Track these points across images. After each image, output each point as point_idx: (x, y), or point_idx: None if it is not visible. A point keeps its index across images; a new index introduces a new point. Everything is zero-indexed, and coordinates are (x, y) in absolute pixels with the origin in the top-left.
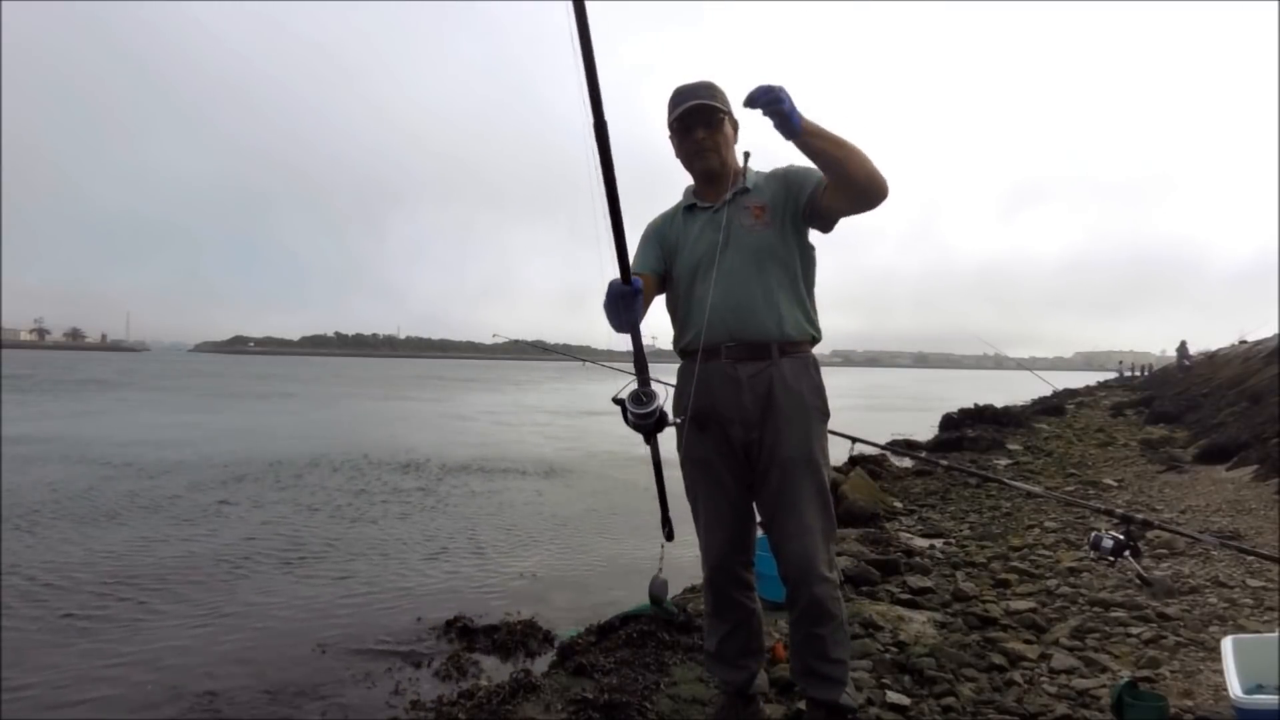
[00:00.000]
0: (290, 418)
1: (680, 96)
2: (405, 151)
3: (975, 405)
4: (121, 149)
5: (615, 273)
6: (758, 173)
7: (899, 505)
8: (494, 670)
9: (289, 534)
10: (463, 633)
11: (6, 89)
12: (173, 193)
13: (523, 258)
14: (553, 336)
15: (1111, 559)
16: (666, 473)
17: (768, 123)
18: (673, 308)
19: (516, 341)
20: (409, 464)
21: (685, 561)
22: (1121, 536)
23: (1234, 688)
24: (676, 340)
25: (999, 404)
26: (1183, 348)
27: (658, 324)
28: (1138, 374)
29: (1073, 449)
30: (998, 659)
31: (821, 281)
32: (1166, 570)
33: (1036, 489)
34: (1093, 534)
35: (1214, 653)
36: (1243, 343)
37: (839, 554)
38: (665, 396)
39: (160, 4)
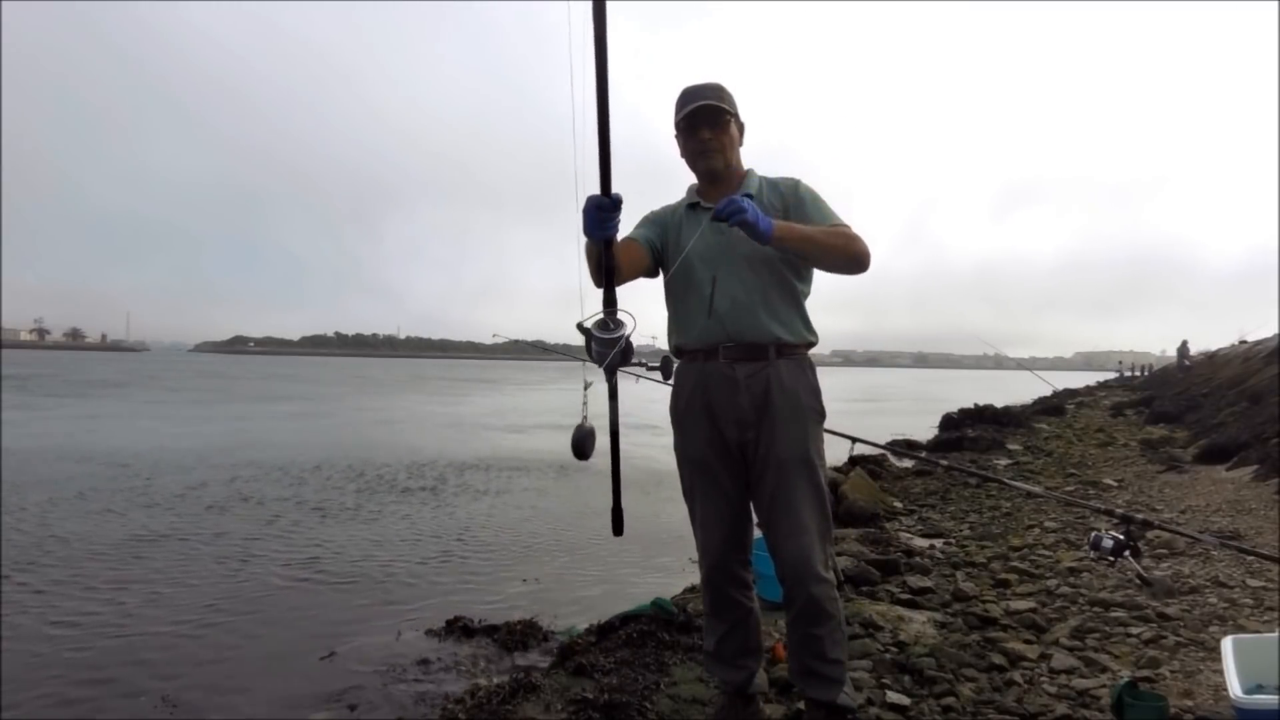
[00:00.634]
0: (301, 420)
1: (688, 96)
2: (402, 151)
3: (975, 405)
4: (120, 149)
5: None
6: (761, 178)
7: (899, 505)
8: (494, 670)
9: (290, 534)
10: (463, 633)
11: (5, 89)
12: (171, 193)
13: (521, 258)
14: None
15: (1111, 559)
16: (662, 454)
17: (774, 125)
18: (671, 307)
19: (516, 341)
20: (412, 464)
21: (686, 560)
22: (1121, 536)
23: (1234, 688)
24: (673, 339)
25: (999, 404)
26: (1183, 348)
27: (659, 325)
28: (1138, 374)
29: (1073, 449)
30: (998, 659)
31: (819, 282)
32: (1166, 570)
33: (1036, 489)
34: (1093, 534)
35: (1214, 653)
36: (1243, 343)
37: (839, 554)
38: (633, 327)
39: (155, 4)
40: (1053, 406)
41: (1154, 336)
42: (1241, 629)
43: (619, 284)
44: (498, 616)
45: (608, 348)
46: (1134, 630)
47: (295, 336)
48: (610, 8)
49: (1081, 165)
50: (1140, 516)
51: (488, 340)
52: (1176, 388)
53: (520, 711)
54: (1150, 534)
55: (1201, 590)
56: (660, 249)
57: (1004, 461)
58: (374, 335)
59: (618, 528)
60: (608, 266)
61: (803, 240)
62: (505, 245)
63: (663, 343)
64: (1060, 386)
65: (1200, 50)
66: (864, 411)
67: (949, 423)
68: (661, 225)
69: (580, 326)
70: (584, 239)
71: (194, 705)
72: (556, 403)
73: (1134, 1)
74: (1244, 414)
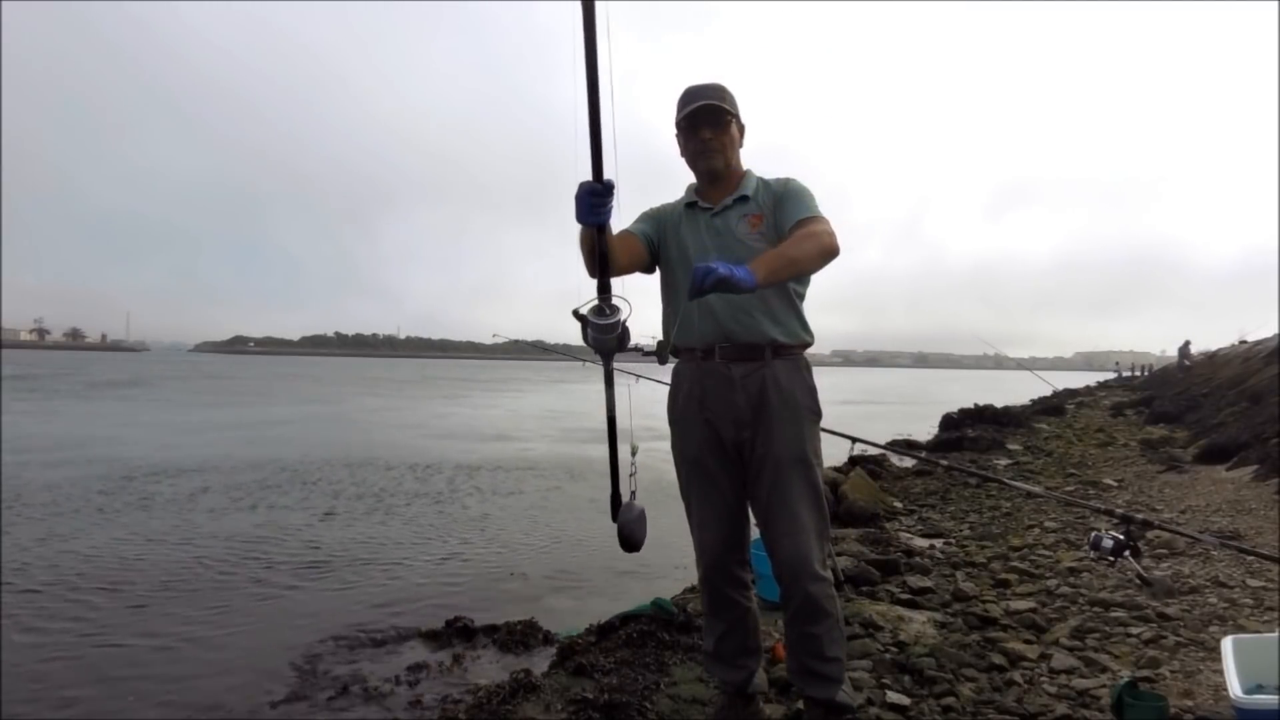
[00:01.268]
0: (317, 421)
1: (689, 96)
2: (399, 151)
3: (975, 405)
4: (119, 149)
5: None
6: (758, 179)
7: (899, 505)
8: (494, 670)
9: (291, 535)
10: (463, 633)
11: (5, 90)
12: (170, 193)
13: (519, 258)
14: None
15: (1111, 559)
16: (661, 462)
17: (774, 125)
18: (667, 305)
19: (516, 341)
20: (415, 465)
21: (686, 560)
22: (1121, 536)
23: (1234, 688)
24: (668, 337)
25: (998, 404)
26: (1184, 348)
27: (659, 327)
28: (1137, 374)
29: (1073, 449)
30: (998, 659)
31: (817, 282)
32: (1166, 570)
33: (1036, 489)
34: (1093, 534)
35: (1214, 653)
36: (1243, 343)
37: (838, 554)
38: (629, 313)
39: (152, 4)
40: (1053, 406)
41: (1151, 337)
42: (1241, 629)
43: (615, 275)
44: (498, 616)
45: (604, 333)
46: (1134, 630)
47: (295, 336)
48: (609, 10)
49: (1077, 166)
50: (1140, 516)
51: (488, 340)
52: (1176, 388)
53: (520, 711)
54: (1150, 534)
55: (1201, 590)
56: (657, 245)
57: (1004, 461)
58: (374, 335)
59: (616, 517)
60: (601, 252)
61: (784, 267)
62: (503, 245)
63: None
64: (1060, 386)
65: (1197, 50)
66: (864, 411)
67: (949, 423)
68: (659, 222)
69: (576, 313)
70: (578, 229)
71: (193, 705)
72: (558, 405)
73: (1131, 1)
74: (1244, 414)
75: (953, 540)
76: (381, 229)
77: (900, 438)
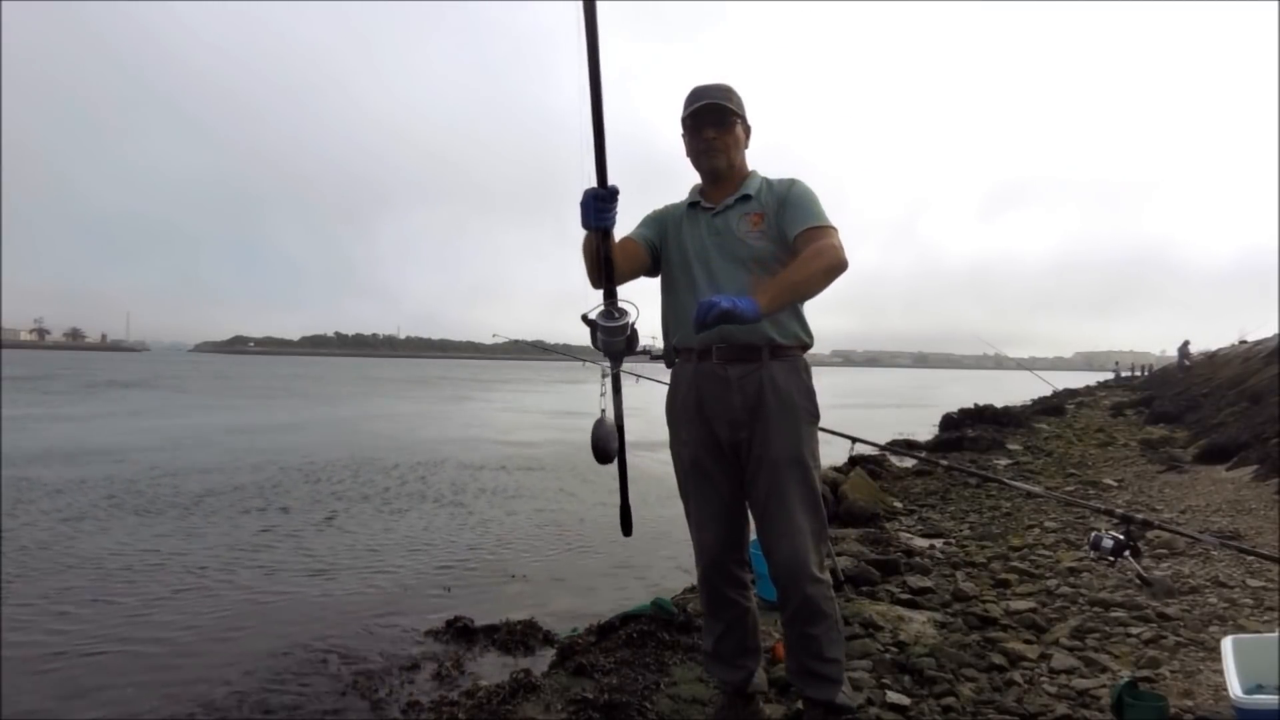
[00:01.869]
0: (322, 422)
1: (695, 95)
2: (397, 151)
3: (975, 405)
4: (118, 150)
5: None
6: (762, 179)
7: (899, 505)
8: (494, 670)
9: (292, 535)
10: (463, 633)
11: (5, 90)
12: (170, 193)
13: (518, 258)
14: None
15: (1111, 559)
16: (660, 463)
17: (778, 126)
18: (666, 306)
19: (516, 341)
20: (417, 464)
21: (686, 560)
22: (1121, 536)
23: (1234, 688)
24: (669, 338)
25: (999, 404)
26: (1184, 348)
27: (659, 327)
28: (1137, 374)
29: (1073, 449)
30: (998, 659)
31: None
32: (1166, 570)
33: (1036, 489)
34: (1093, 534)
35: (1214, 653)
36: (1243, 343)
37: (838, 554)
38: (636, 316)
39: (149, 4)
40: (1053, 406)
41: (1148, 337)
42: (1241, 629)
43: (619, 284)
44: (498, 616)
45: (614, 335)
46: (1134, 630)
47: (295, 336)
48: (610, 14)
49: (1072, 166)
50: (1140, 516)
51: (487, 340)
52: (1176, 388)
53: (520, 711)
54: (1150, 534)
55: (1201, 590)
56: (659, 247)
57: (1004, 461)
58: (374, 335)
59: (626, 528)
60: (606, 257)
61: (788, 291)
62: (502, 245)
63: (661, 343)
64: (1060, 386)
65: (1193, 51)
66: (864, 411)
67: (949, 423)
68: (661, 224)
69: (584, 318)
70: (581, 238)
71: (193, 705)
72: (560, 404)
73: (1126, 1)
74: (1244, 414)
75: (953, 540)
76: (381, 229)
77: (900, 438)
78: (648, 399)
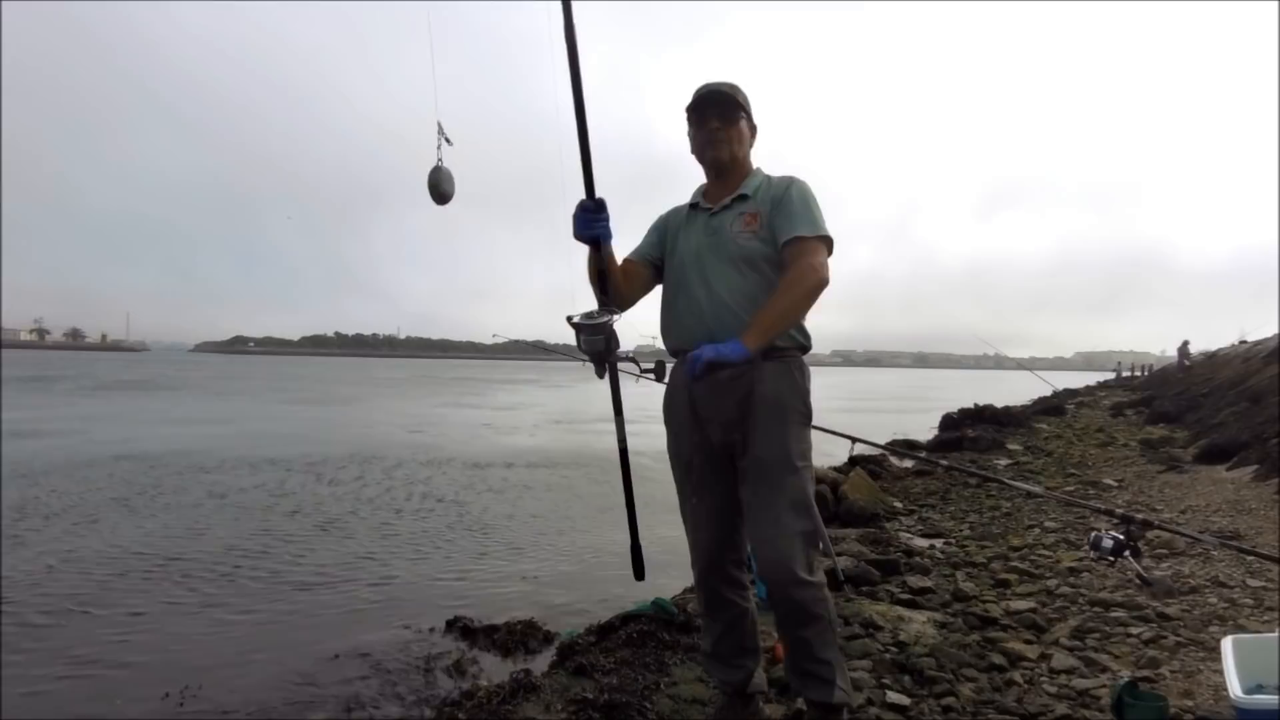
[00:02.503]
0: (329, 421)
1: (702, 88)
2: (395, 152)
3: (975, 405)
4: (117, 150)
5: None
6: (763, 178)
7: (899, 505)
8: (494, 670)
9: (292, 535)
10: (463, 633)
11: (5, 89)
12: (170, 193)
13: (517, 258)
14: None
15: (1111, 559)
16: (658, 462)
17: (775, 129)
18: (663, 307)
19: (517, 341)
20: (420, 463)
21: (687, 560)
22: (1121, 536)
23: (1234, 688)
24: (664, 339)
25: (999, 404)
26: (1184, 348)
27: (659, 326)
28: (1137, 374)
29: (1073, 449)
30: (998, 659)
31: None
32: (1166, 570)
33: (1036, 489)
34: (1093, 534)
35: (1214, 653)
36: (1243, 343)
37: (838, 554)
38: (617, 318)
39: (147, 4)
40: (1053, 406)
41: (1145, 337)
42: (1241, 629)
43: (627, 306)
44: (498, 616)
45: (593, 334)
46: (1134, 630)
47: (295, 336)
48: (604, 18)
49: (1064, 167)
50: (1140, 516)
51: (488, 340)
52: (1176, 388)
53: (520, 711)
54: (1150, 534)
55: (1201, 590)
56: (662, 258)
57: (1004, 461)
58: (374, 335)
59: (638, 571)
60: (599, 269)
61: (776, 324)
62: (502, 246)
63: (661, 343)
64: (1060, 386)
65: (1186, 51)
66: (864, 411)
67: (949, 423)
68: (662, 230)
69: (569, 320)
70: (585, 262)
71: (192, 705)
72: (562, 404)
73: (1120, 1)
74: (1244, 414)
75: (953, 540)
76: (380, 229)
77: (900, 438)
78: (646, 402)
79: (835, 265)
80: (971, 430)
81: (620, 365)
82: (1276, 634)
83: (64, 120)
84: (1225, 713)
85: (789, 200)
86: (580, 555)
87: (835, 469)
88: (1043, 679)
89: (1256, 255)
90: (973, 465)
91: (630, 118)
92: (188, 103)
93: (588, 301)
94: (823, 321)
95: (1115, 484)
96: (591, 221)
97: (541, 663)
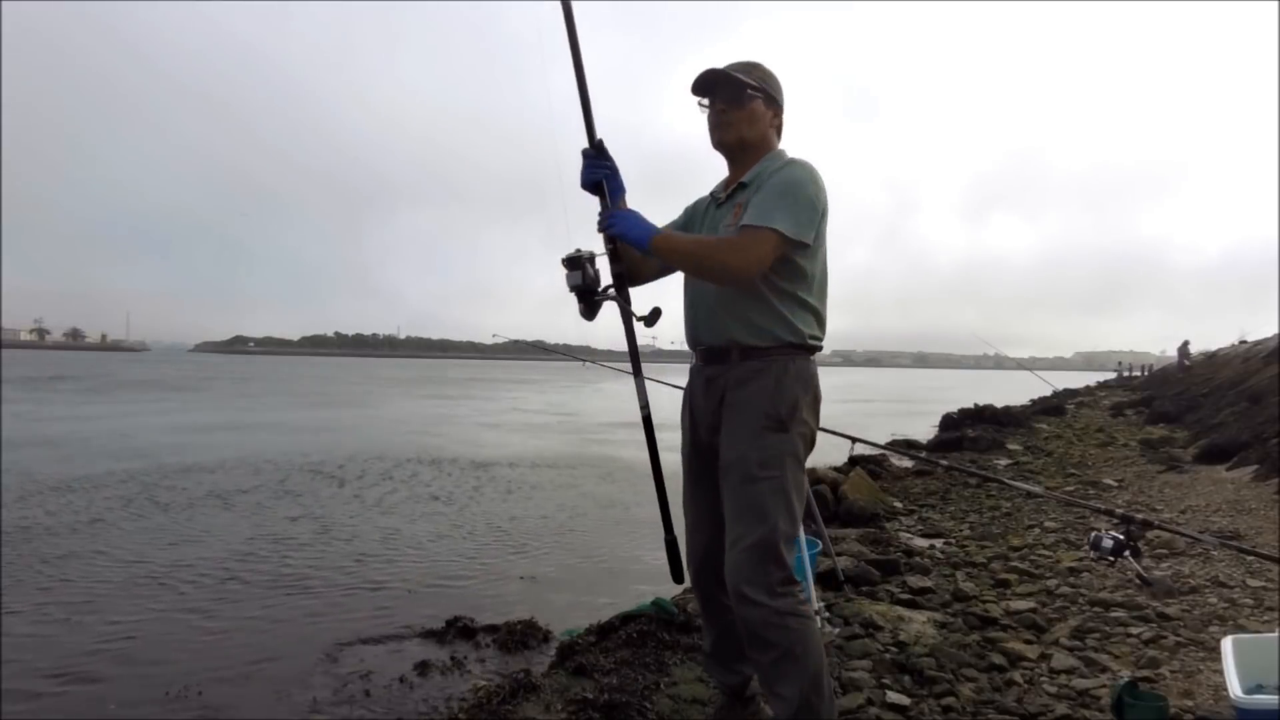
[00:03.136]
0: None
1: (704, 70)
2: (394, 152)
3: (975, 405)
4: (117, 150)
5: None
6: (771, 162)
7: (899, 505)
8: (494, 670)
9: (292, 535)
10: (463, 633)
11: (5, 89)
12: (171, 193)
13: (517, 258)
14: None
15: (1111, 559)
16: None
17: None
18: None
19: (517, 341)
20: (421, 463)
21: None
22: (1121, 536)
23: (1234, 688)
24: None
25: (999, 404)
26: (1184, 348)
27: (659, 326)
28: (1138, 374)
29: (1073, 449)
30: (998, 659)
31: None
32: (1166, 570)
33: (1036, 489)
34: (1093, 534)
35: (1214, 653)
36: (1243, 343)
37: (838, 554)
38: (597, 255)
39: (155, 2)
40: (1053, 406)
41: (1141, 336)
42: (1241, 629)
43: (643, 282)
44: (498, 616)
45: (572, 268)
46: (1134, 630)
47: (295, 336)
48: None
49: (1060, 167)
50: (1140, 516)
51: (488, 340)
52: (1176, 388)
53: (520, 711)
54: (1150, 534)
55: (1201, 590)
56: None
57: (1004, 461)
58: (374, 335)
59: (676, 573)
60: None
61: (670, 254)
62: (502, 246)
63: (661, 344)
64: (1060, 386)
65: (1179, 50)
66: (864, 411)
67: (949, 423)
68: (689, 217)
69: (562, 260)
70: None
71: (192, 705)
72: (562, 403)
73: (1114, 1)
74: (1244, 414)
75: (953, 540)
76: (380, 229)
77: (900, 438)
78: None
79: (835, 265)
80: (971, 430)
81: (630, 326)
82: (1276, 634)
83: (66, 119)
84: (1225, 713)
85: (768, 189)
86: (581, 555)
87: (835, 469)
88: (1043, 679)
89: (1247, 253)
90: (973, 465)
91: (638, 120)
92: (190, 103)
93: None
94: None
95: (1115, 484)
96: (594, 167)
97: (541, 663)
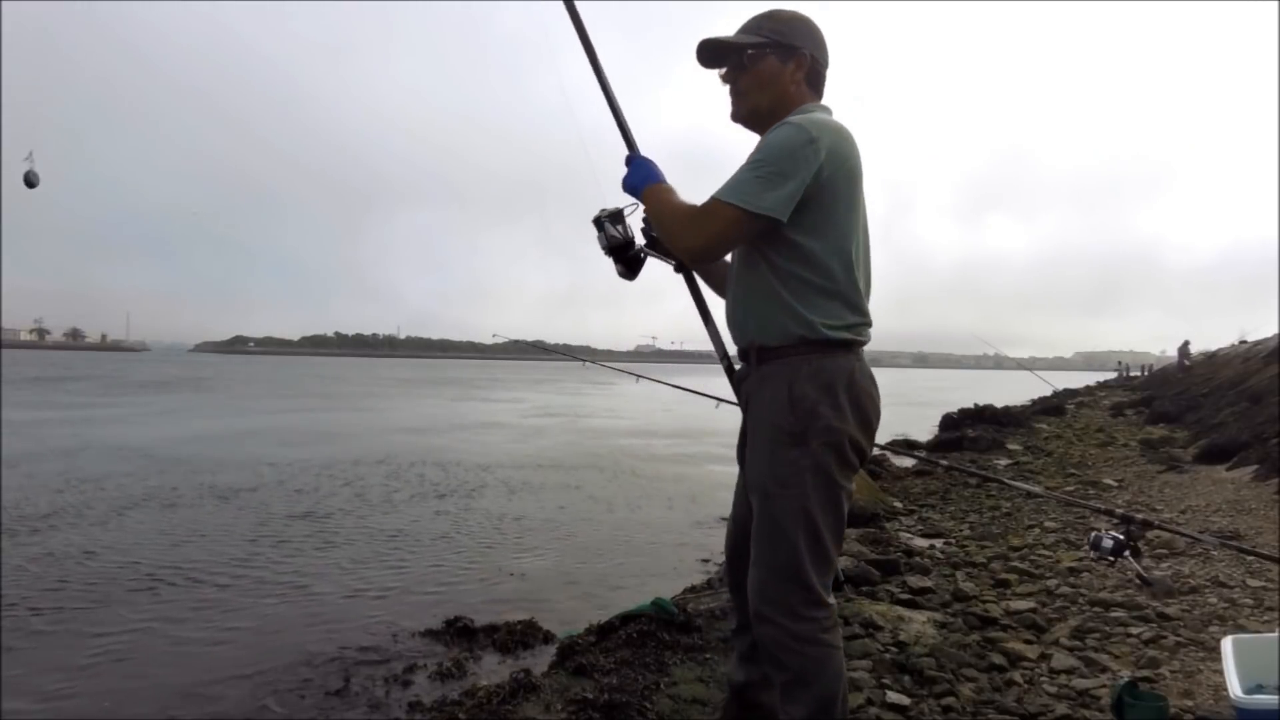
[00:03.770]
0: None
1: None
2: (394, 153)
3: (975, 405)
4: (117, 150)
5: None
6: (777, 127)
7: (899, 505)
8: (494, 670)
9: (294, 535)
10: (463, 633)
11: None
12: (171, 193)
13: (517, 258)
14: (547, 335)
15: (1111, 559)
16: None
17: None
18: None
19: (516, 341)
20: (424, 462)
21: (686, 560)
22: (1121, 536)
23: (1234, 688)
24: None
25: (999, 404)
26: (1184, 348)
27: (659, 326)
28: (1138, 374)
29: (1073, 449)
30: (998, 659)
31: None
32: (1166, 570)
33: (1036, 489)
34: (1093, 534)
35: (1214, 653)
36: (1243, 343)
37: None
38: (632, 212)
39: (151, 2)
40: (1053, 406)
41: (1139, 336)
42: (1241, 629)
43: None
44: (498, 616)
45: (614, 221)
46: (1134, 630)
47: (295, 336)
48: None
49: (1049, 168)
50: (1140, 516)
51: (488, 340)
52: (1176, 388)
53: (520, 711)
54: (1150, 534)
55: (1201, 590)
56: None
57: (1004, 461)
58: (374, 335)
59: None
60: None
61: (660, 215)
62: (502, 246)
63: (661, 343)
64: (1060, 386)
65: (1173, 50)
66: None
67: (949, 423)
68: None
69: (595, 220)
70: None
71: (192, 706)
72: (565, 403)
73: (1108, 1)
74: (1244, 414)
75: (953, 540)
76: (379, 229)
77: (900, 438)
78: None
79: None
80: (971, 430)
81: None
82: (1276, 634)
83: (65, 119)
84: (1225, 713)
85: (750, 157)
86: (581, 555)
87: None
88: (1043, 679)
89: (1242, 253)
90: (973, 465)
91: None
92: (190, 103)
93: (586, 302)
94: None
95: (1115, 484)
96: (640, 165)
97: (541, 663)
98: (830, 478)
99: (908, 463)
